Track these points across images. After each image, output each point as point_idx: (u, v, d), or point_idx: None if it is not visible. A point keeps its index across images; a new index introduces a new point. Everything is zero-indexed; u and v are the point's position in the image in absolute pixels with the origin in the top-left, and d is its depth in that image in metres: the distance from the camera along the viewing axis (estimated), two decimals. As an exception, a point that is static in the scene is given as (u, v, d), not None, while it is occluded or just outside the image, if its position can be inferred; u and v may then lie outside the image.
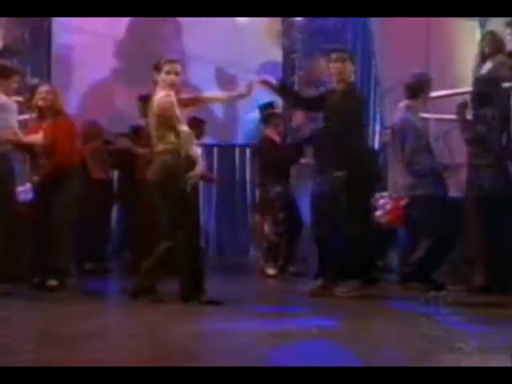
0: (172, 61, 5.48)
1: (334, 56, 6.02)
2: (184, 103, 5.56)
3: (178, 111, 5.35)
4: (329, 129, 6.04)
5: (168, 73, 5.39)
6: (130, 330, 4.31)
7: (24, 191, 6.33)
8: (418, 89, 5.94)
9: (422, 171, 6.08)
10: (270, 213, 7.83)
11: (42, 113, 6.15)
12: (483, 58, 6.72)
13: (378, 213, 7.29)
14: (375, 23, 9.25)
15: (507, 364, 3.09)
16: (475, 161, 6.06)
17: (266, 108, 8.13)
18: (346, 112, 5.84)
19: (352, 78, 6.09)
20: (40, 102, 6.13)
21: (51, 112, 6.14)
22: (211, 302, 5.17)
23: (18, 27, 8.95)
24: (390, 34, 8.89)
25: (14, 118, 5.93)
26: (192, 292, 5.23)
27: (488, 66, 6.57)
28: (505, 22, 6.88)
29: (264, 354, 3.45)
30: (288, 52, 10.17)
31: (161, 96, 5.36)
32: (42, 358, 3.28)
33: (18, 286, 5.89)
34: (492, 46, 6.68)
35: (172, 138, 5.35)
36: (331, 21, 9.84)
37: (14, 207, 5.91)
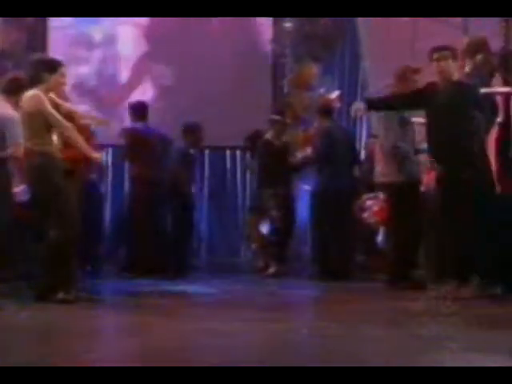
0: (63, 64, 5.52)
1: (436, 55, 5.86)
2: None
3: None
4: (440, 127, 5.78)
5: (63, 76, 5.43)
6: (122, 330, 4.30)
7: (19, 193, 6.30)
8: (395, 80, 6.32)
9: (400, 158, 6.15)
10: (265, 213, 7.83)
11: None
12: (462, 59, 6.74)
13: (366, 214, 7.34)
14: (363, 28, 9.25)
15: (492, 363, 3.09)
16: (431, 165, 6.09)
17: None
18: (458, 110, 5.68)
19: (457, 75, 5.88)
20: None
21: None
22: (64, 301, 5.08)
23: (15, 31, 8.92)
24: (378, 39, 8.89)
25: (21, 133, 5.92)
26: (48, 289, 5.16)
27: (469, 65, 6.58)
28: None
29: (255, 352, 3.46)
30: (279, 56, 10.18)
31: (31, 95, 5.28)
32: (35, 357, 3.27)
33: (15, 286, 5.88)
34: (473, 45, 6.70)
35: (46, 138, 5.30)
36: (321, 26, 9.84)
37: (12, 210, 5.89)
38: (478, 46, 6.61)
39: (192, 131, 8.31)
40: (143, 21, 9.95)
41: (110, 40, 10.07)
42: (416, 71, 6.45)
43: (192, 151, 8.27)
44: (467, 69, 6.54)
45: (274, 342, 3.81)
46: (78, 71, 9.60)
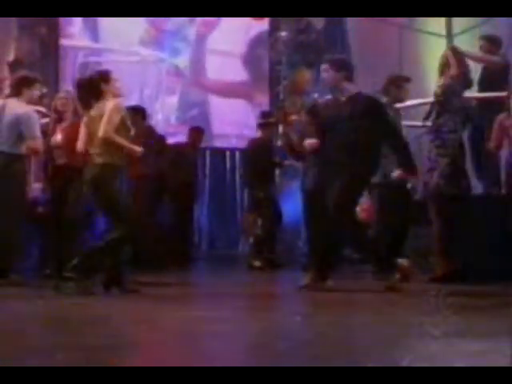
0: None
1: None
2: None
3: None
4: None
5: (116, 81, 5.42)
6: (131, 317, 4.33)
7: (34, 190, 6.36)
8: (390, 86, 6.28)
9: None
10: (258, 210, 7.89)
11: (60, 115, 6.22)
12: (443, 70, 6.81)
13: (356, 210, 7.38)
14: (352, 37, 9.33)
15: (469, 345, 3.16)
16: (431, 164, 6.15)
17: (263, 116, 8.27)
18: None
19: (344, 84, 5.52)
20: (59, 105, 6.20)
21: (69, 114, 6.19)
22: (131, 291, 5.15)
23: (28, 40, 8.96)
24: (366, 47, 8.96)
25: (38, 128, 5.94)
26: (113, 280, 5.19)
27: (449, 75, 6.65)
28: (480, 35, 6.96)
29: (252, 340, 3.52)
30: (274, 64, 10.24)
31: (117, 102, 5.28)
32: (48, 343, 3.30)
33: (30, 277, 5.94)
34: (453, 59, 6.77)
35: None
36: (313, 36, 9.93)
37: (25, 205, 5.94)
38: (459, 60, 6.67)
39: (193, 133, 8.44)
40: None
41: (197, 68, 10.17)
42: (407, 80, 6.48)
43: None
44: (444, 80, 6.62)
45: (268, 328, 3.85)
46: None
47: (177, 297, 5.21)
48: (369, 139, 5.37)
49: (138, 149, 5.42)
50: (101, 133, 5.11)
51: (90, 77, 5.45)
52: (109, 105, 5.18)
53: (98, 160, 5.18)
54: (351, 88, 5.53)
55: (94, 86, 5.29)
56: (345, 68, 5.56)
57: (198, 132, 8.53)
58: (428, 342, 3.28)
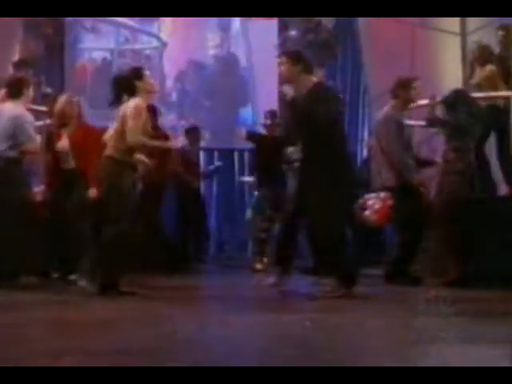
0: None
1: (277, 61, 5.54)
2: None
3: None
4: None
5: (149, 77, 5.49)
6: (138, 321, 4.32)
7: (39, 192, 6.37)
8: (397, 89, 6.18)
9: (393, 163, 6.16)
10: (263, 212, 7.83)
11: (65, 120, 6.23)
12: (473, 67, 6.77)
13: (367, 212, 7.34)
14: (363, 36, 9.29)
15: (484, 351, 3.15)
16: (446, 166, 6.11)
17: (269, 116, 8.24)
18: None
19: (302, 77, 5.37)
20: (60, 111, 6.21)
21: (71, 119, 6.20)
22: (126, 293, 5.14)
23: (33, 40, 8.99)
24: (378, 46, 8.93)
25: (33, 130, 5.97)
26: (111, 282, 5.19)
27: (478, 74, 6.61)
28: (498, 26, 6.91)
29: (261, 343, 3.51)
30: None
31: (137, 104, 5.31)
32: (54, 346, 3.30)
33: (39, 280, 5.97)
34: (480, 55, 6.73)
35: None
36: (323, 35, 9.90)
37: (27, 208, 5.95)
38: (488, 55, 6.61)
39: (191, 132, 8.42)
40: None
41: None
42: (416, 79, 6.44)
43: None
44: (477, 78, 6.56)
45: (278, 332, 3.85)
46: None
47: (184, 300, 5.20)
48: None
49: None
50: (129, 138, 5.20)
51: (125, 74, 5.52)
52: (130, 105, 5.25)
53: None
54: (310, 80, 5.38)
55: (128, 83, 5.37)
56: (302, 60, 5.41)
57: (196, 132, 8.53)
58: (440, 347, 3.27)
